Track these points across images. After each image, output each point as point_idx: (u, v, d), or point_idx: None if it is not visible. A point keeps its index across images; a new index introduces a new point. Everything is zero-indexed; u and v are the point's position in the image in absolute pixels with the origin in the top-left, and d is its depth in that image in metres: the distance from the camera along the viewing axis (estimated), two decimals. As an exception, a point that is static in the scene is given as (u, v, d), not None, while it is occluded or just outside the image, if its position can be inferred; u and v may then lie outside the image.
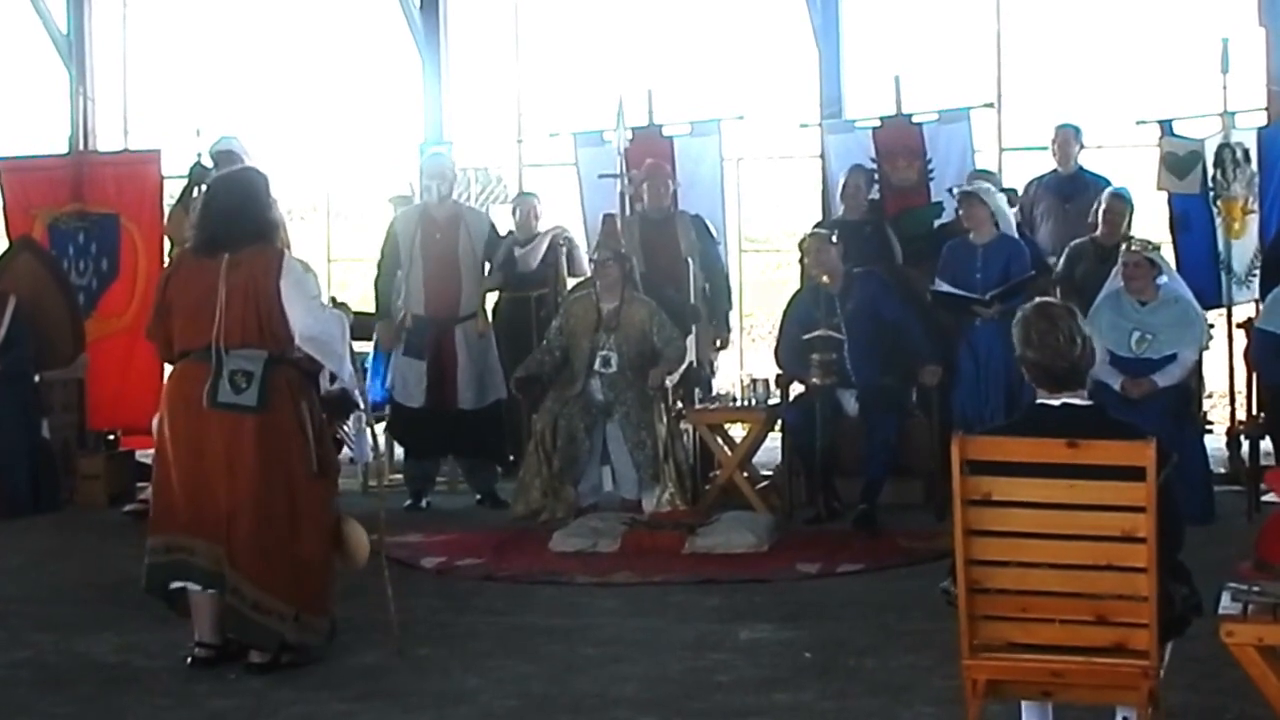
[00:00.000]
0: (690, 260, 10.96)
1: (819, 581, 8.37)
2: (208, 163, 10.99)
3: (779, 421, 10.45)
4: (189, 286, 6.74)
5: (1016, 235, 10.46)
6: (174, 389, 6.76)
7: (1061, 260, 10.62)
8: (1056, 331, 4.79)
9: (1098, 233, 10.52)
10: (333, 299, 7.13)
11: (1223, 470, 10.38)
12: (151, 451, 7.20)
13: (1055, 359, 4.79)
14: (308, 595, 6.67)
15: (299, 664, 6.67)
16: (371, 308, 11.25)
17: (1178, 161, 10.96)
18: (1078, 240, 10.63)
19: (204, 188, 7.34)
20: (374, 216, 15.54)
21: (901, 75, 11.92)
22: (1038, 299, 5.16)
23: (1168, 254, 10.57)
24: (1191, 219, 11.02)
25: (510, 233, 11.64)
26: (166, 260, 11.64)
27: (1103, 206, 10.54)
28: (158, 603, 6.94)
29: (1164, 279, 9.74)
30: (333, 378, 6.93)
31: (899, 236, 11.15)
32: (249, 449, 6.55)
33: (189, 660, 6.75)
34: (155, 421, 6.91)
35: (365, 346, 11.97)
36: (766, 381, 10.56)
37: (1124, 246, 9.87)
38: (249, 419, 6.55)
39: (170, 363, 6.92)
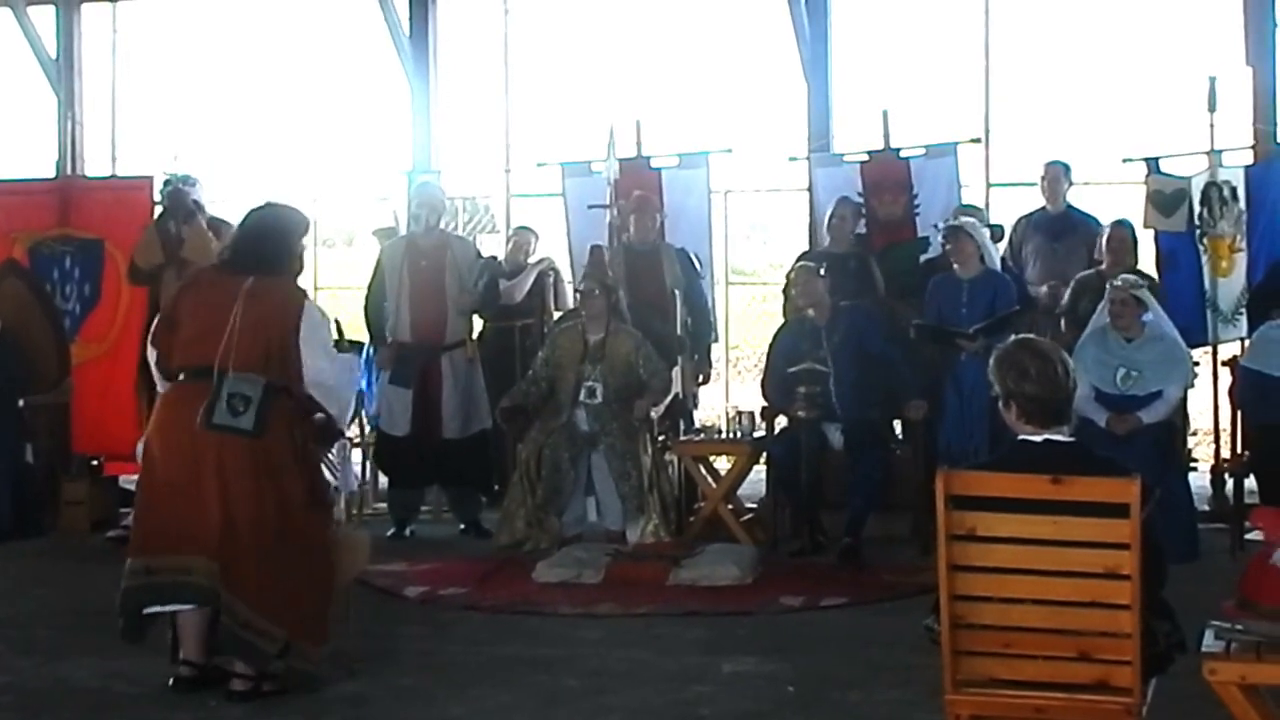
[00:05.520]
0: (675, 292, 10.96)
1: (803, 615, 8.35)
2: (190, 190, 10.88)
3: (764, 454, 10.46)
4: (202, 302, 6.80)
5: (1001, 270, 10.49)
6: (168, 410, 6.76)
7: (1066, 294, 10.60)
8: (1052, 364, 4.82)
9: (1103, 266, 10.51)
10: (349, 341, 7.17)
11: (1207, 508, 10.38)
12: (135, 477, 7.20)
13: (1055, 392, 4.81)
14: (300, 623, 6.64)
15: (281, 692, 6.65)
16: (360, 336, 11.24)
17: (1164, 199, 10.98)
18: (1083, 274, 10.60)
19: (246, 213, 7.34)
20: (361, 245, 15.54)
21: (890, 110, 11.95)
22: (1018, 336, 5.20)
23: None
24: (1178, 257, 11.03)
25: (497, 260, 11.65)
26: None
27: (1106, 236, 10.57)
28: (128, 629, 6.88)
29: (1150, 316, 9.75)
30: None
31: (884, 271, 11.15)
32: (245, 472, 6.56)
33: (171, 680, 6.74)
34: (140, 445, 6.89)
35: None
36: (752, 414, 10.57)
37: (1109, 283, 9.88)
38: (243, 442, 6.55)
39: (166, 376, 6.88)
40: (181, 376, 6.72)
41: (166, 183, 10.89)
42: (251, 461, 6.56)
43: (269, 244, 6.87)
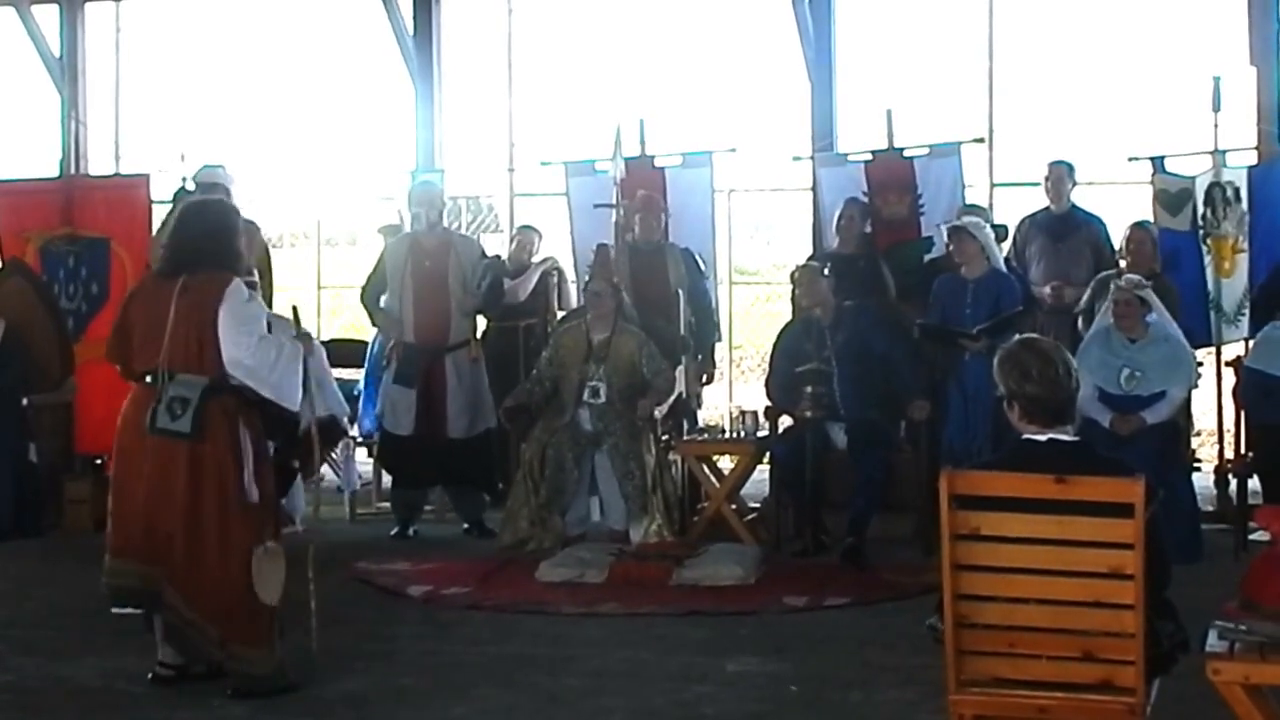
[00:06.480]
0: (679, 292, 10.95)
1: (806, 615, 8.35)
2: (193, 188, 10.91)
3: (768, 454, 10.45)
4: (148, 308, 6.82)
5: (1005, 270, 10.47)
6: (125, 411, 6.84)
7: (1085, 294, 10.57)
8: (1054, 365, 4.81)
9: (1124, 265, 10.48)
10: (303, 331, 6.93)
11: (1210, 508, 10.36)
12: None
13: (1056, 391, 4.81)
14: (236, 625, 6.65)
15: (281, 691, 6.65)
16: (359, 335, 11.22)
17: (1170, 198, 10.98)
18: (1103, 273, 10.57)
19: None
20: (364, 244, 15.52)
21: (893, 109, 11.93)
22: (1021, 336, 5.20)
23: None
24: (1181, 257, 11.01)
25: (501, 260, 11.65)
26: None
27: (1125, 237, 10.55)
28: (142, 628, 6.95)
29: (1153, 316, 9.74)
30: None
31: (888, 271, 11.14)
32: (181, 476, 6.60)
33: (150, 676, 6.83)
34: None
35: (355, 374, 11.96)
36: (755, 414, 10.56)
37: (1112, 284, 9.87)
38: (183, 446, 6.58)
39: (134, 380, 6.92)
40: (149, 379, 6.73)
41: (183, 180, 10.88)
42: (189, 466, 6.60)
43: (201, 242, 6.82)
